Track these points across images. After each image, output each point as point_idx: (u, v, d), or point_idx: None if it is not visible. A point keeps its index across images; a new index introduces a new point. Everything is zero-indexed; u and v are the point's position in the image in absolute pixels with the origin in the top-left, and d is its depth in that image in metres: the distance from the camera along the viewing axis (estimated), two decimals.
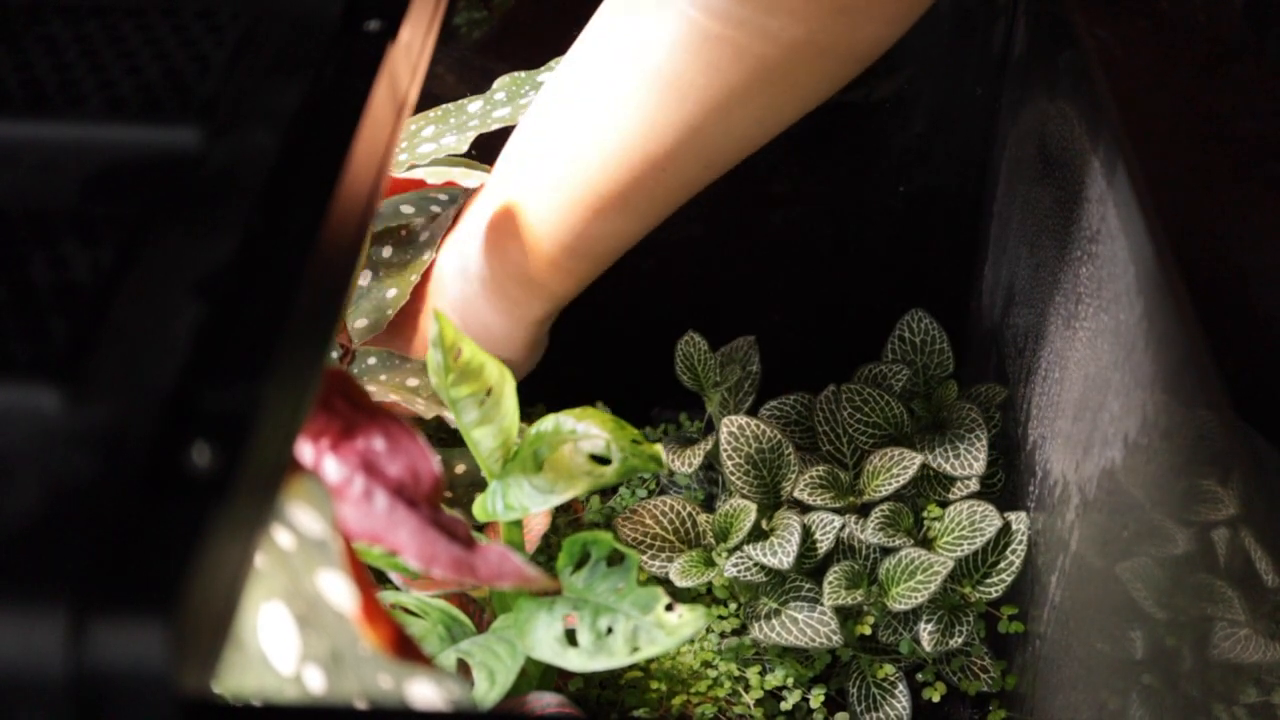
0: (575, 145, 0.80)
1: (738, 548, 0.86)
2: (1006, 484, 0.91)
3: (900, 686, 0.87)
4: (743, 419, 0.89)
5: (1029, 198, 0.91)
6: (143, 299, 0.34)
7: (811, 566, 0.86)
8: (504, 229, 0.84)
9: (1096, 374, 0.74)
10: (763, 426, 0.89)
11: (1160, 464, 0.64)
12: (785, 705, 0.88)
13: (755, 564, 0.85)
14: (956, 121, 0.98)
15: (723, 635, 0.90)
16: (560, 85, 0.81)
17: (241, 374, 0.32)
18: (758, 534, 0.87)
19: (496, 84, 0.90)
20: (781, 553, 0.84)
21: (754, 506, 0.86)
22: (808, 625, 0.85)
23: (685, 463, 0.91)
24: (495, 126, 0.86)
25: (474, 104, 0.90)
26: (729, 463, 0.88)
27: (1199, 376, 0.56)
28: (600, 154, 0.79)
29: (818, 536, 0.86)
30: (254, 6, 0.42)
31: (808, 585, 0.86)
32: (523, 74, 0.90)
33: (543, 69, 0.89)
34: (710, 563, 0.87)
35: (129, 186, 0.37)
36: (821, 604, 0.85)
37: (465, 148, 0.85)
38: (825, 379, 0.95)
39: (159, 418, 0.31)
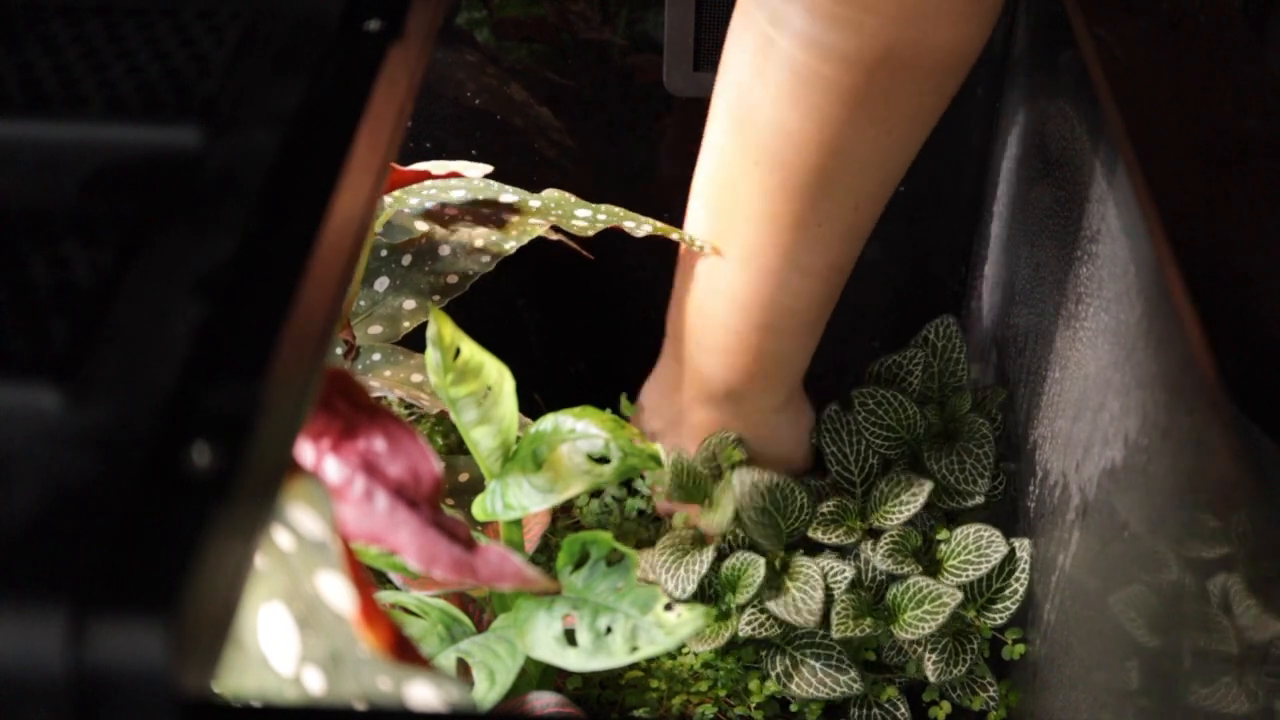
0: (740, 191, 0.79)
1: (750, 603, 0.85)
2: (1007, 484, 0.91)
3: (902, 709, 0.87)
4: (754, 474, 0.88)
5: (1029, 198, 0.91)
6: (143, 299, 0.34)
7: (826, 612, 0.86)
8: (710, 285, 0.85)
9: (1096, 374, 0.73)
10: (775, 477, 0.88)
11: (1160, 463, 0.64)
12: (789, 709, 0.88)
13: (772, 620, 0.84)
14: (956, 121, 0.98)
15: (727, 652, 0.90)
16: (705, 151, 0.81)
17: (241, 374, 0.32)
18: (773, 579, 0.86)
19: (544, 193, 0.90)
20: (806, 611, 0.83)
21: (761, 562, 0.85)
22: (827, 675, 0.84)
23: (679, 585, 0.85)
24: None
25: (508, 195, 0.90)
26: (742, 516, 0.87)
27: (1199, 376, 0.56)
28: (767, 182, 0.78)
29: (831, 583, 0.85)
30: (254, 6, 0.42)
31: (822, 632, 0.85)
32: (572, 198, 0.90)
33: (588, 205, 0.89)
34: (723, 618, 0.86)
35: (129, 186, 0.37)
36: (833, 642, 0.85)
37: (479, 174, 0.86)
38: (825, 378, 0.95)
39: (159, 418, 0.31)
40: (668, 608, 0.67)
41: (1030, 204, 0.91)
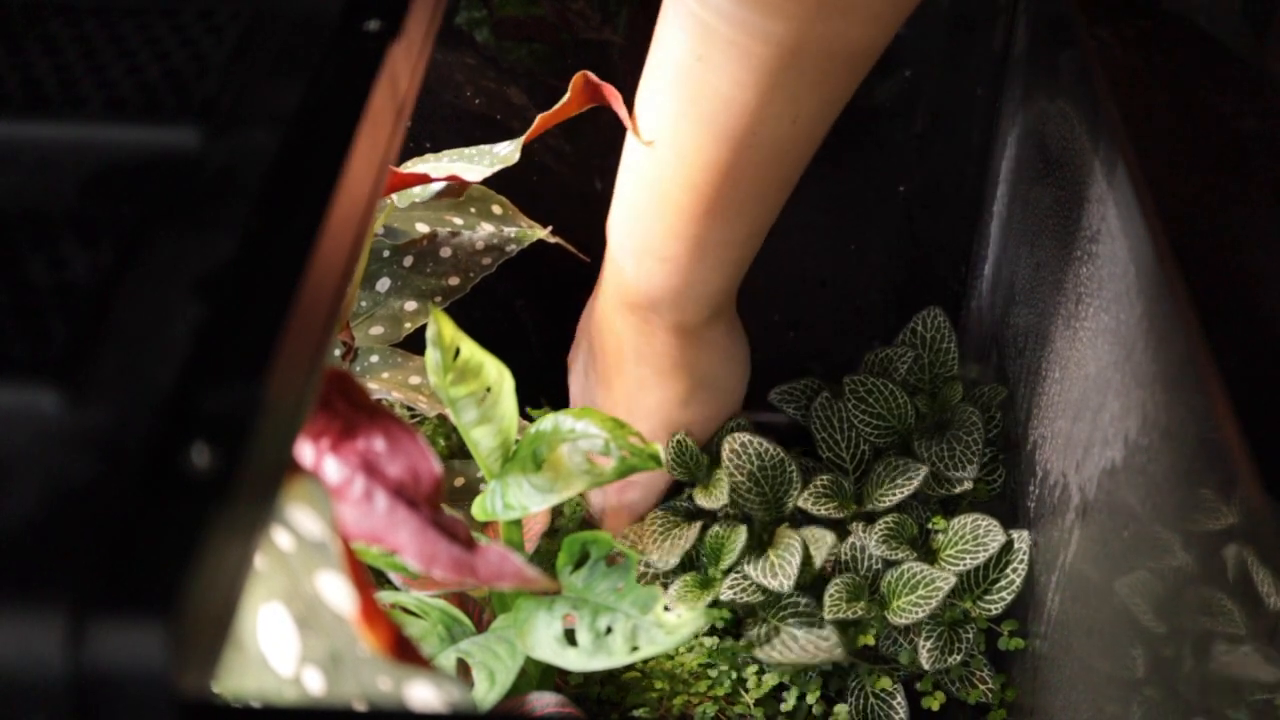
0: (656, 160, 0.82)
1: (732, 568, 0.86)
2: (1006, 483, 0.91)
3: (899, 698, 0.87)
4: (745, 436, 0.89)
5: (1029, 198, 0.91)
6: (143, 299, 0.34)
7: (807, 581, 0.86)
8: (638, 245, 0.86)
9: (1096, 374, 0.73)
10: (765, 444, 0.88)
11: (1161, 464, 0.64)
12: (785, 706, 0.88)
13: (753, 585, 0.85)
14: (956, 121, 0.98)
15: (721, 636, 0.90)
16: (639, 105, 0.83)
17: (241, 374, 0.32)
18: (757, 548, 0.86)
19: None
20: (782, 575, 0.83)
21: (744, 529, 0.85)
22: (808, 643, 0.84)
23: (662, 558, 0.88)
24: (499, 166, 0.87)
25: (504, 147, 0.90)
26: (729, 480, 0.88)
27: (1199, 376, 0.56)
28: (677, 161, 0.81)
29: (812, 551, 0.86)
30: (254, 6, 0.42)
31: (804, 601, 0.85)
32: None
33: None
34: (706, 585, 0.86)
35: (129, 186, 0.37)
36: (821, 616, 0.85)
37: (478, 178, 0.87)
38: (827, 379, 0.95)
39: (159, 418, 0.31)
40: (667, 608, 0.67)
41: (1030, 204, 0.91)
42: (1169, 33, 0.73)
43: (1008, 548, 0.85)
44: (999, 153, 0.99)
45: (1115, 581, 0.70)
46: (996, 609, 0.85)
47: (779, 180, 0.83)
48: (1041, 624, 0.82)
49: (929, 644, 0.84)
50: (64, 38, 0.41)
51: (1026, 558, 0.84)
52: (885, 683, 0.87)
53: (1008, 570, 0.85)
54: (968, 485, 0.88)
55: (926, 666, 0.84)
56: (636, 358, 0.91)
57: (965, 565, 0.84)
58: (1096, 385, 0.73)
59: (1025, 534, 0.85)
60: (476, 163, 0.87)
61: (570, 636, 0.68)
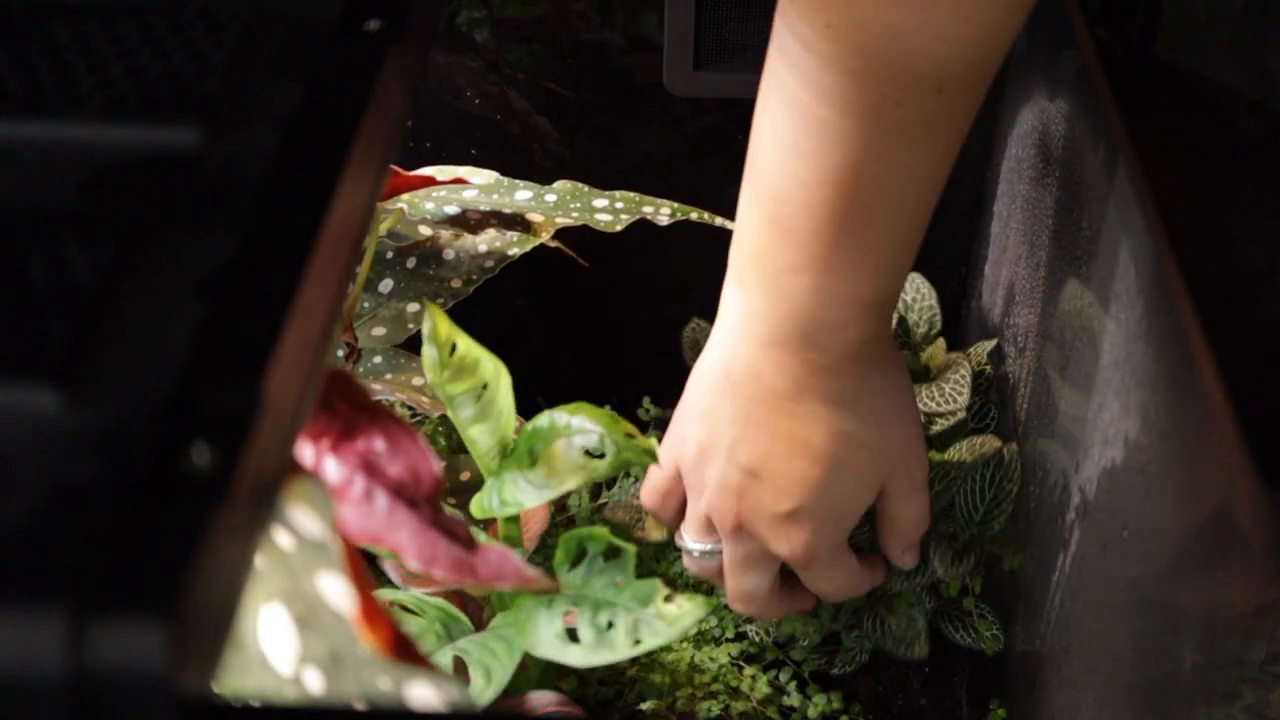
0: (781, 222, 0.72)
1: None
2: (998, 419, 0.92)
3: (921, 620, 0.87)
4: None
5: (1029, 198, 0.91)
6: (143, 299, 0.34)
7: None
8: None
9: (1096, 374, 0.74)
10: None
11: (1160, 464, 0.64)
12: (788, 701, 0.88)
13: None
14: None
15: (722, 637, 0.90)
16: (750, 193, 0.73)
17: (241, 374, 0.32)
18: None
19: (556, 185, 0.91)
20: None
21: None
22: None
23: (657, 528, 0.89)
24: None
25: (522, 192, 0.90)
26: None
27: (1199, 376, 0.56)
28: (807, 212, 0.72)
29: None
30: (254, 6, 0.42)
31: None
32: (585, 188, 0.90)
33: (601, 193, 0.90)
34: None
35: (129, 186, 0.37)
36: None
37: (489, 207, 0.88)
38: None
39: (159, 418, 0.31)
40: (668, 599, 0.67)
41: (1030, 204, 0.91)
42: (1169, 33, 0.73)
43: (999, 462, 0.86)
44: (999, 153, 0.99)
45: (1114, 582, 0.70)
46: (998, 525, 0.86)
47: (909, 218, 0.77)
48: (1042, 624, 0.82)
49: (940, 556, 0.85)
50: (64, 38, 0.41)
51: (1019, 469, 0.86)
52: (902, 612, 0.87)
53: (1004, 483, 0.86)
54: (961, 416, 0.89)
55: (941, 574, 0.85)
56: (795, 395, 0.76)
57: (965, 469, 0.85)
58: (1096, 385, 0.73)
59: (1014, 445, 0.87)
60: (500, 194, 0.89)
61: (572, 633, 0.68)
